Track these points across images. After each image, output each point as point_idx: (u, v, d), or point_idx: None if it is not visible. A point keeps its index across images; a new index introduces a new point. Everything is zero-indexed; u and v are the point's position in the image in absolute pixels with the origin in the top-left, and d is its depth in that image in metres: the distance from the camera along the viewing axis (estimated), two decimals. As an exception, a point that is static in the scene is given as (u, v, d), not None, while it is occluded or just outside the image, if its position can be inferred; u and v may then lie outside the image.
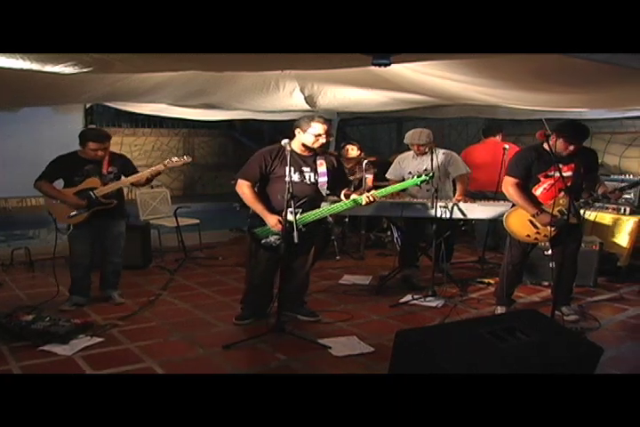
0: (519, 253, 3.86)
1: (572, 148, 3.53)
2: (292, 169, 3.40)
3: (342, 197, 3.61)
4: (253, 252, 3.68)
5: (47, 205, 4.00)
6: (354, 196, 3.52)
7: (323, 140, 3.45)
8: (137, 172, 4.13)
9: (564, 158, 3.57)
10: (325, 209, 3.53)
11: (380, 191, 3.63)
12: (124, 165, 4.13)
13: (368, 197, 3.45)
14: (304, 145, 3.51)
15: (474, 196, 4.86)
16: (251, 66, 3.16)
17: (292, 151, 3.44)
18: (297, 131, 3.49)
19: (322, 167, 3.56)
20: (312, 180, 3.55)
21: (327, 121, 3.53)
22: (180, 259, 5.55)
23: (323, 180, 3.55)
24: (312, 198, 3.52)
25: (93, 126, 3.90)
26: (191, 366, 3.05)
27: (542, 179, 3.69)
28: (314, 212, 3.48)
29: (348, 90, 4.53)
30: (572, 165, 3.62)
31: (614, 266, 4.91)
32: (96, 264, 4.21)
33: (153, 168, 4.08)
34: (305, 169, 3.54)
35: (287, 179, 3.28)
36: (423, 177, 3.66)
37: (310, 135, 3.43)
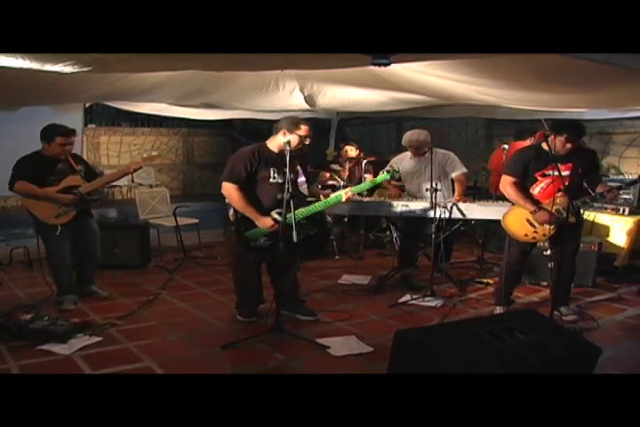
0: (518, 252, 3.86)
1: (569, 146, 3.54)
2: (276, 170, 3.49)
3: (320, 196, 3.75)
4: (243, 255, 3.66)
5: (28, 205, 3.88)
6: (339, 192, 3.71)
7: (306, 142, 3.48)
8: (95, 173, 4.22)
9: (562, 158, 3.57)
10: (312, 207, 3.58)
11: (355, 188, 3.83)
12: (86, 165, 4.19)
13: (347, 193, 3.67)
14: (282, 146, 3.51)
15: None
16: (250, 65, 3.16)
17: (271, 152, 3.52)
18: (282, 132, 3.49)
19: (297, 167, 3.64)
20: (292, 180, 3.59)
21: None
22: (179, 258, 5.55)
23: (301, 179, 3.67)
24: (296, 198, 3.55)
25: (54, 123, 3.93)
26: (190, 366, 3.05)
27: (539, 178, 3.70)
28: (303, 210, 3.52)
29: (348, 90, 4.53)
30: (570, 165, 3.63)
31: (613, 266, 4.92)
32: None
33: (133, 164, 4.14)
34: (285, 169, 3.56)
35: (286, 178, 3.29)
36: (392, 172, 3.96)
37: (296, 137, 3.44)
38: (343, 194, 3.67)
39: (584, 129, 3.63)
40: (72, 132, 3.92)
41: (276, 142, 3.53)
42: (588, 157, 3.76)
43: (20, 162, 3.85)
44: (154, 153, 4.52)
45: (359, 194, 4.51)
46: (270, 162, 3.49)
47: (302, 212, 3.52)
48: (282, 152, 3.48)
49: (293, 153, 3.40)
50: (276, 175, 3.51)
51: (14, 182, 3.78)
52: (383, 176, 3.95)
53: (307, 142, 3.49)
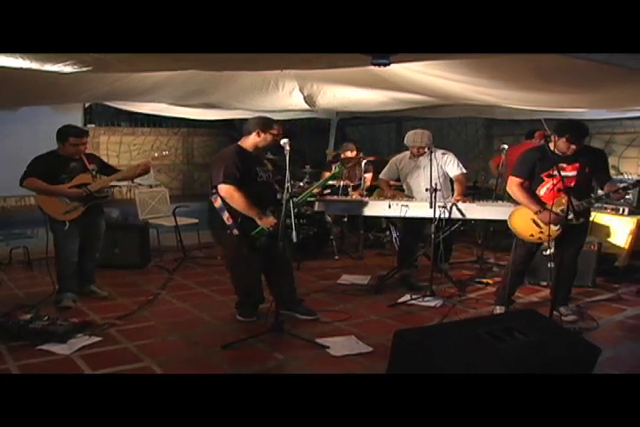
0: (525, 252, 3.86)
1: (574, 147, 3.53)
2: (261, 169, 3.59)
3: None
4: (245, 256, 3.63)
5: (39, 202, 3.98)
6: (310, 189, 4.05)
7: (274, 140, 3.54)
8: (113, 168, 4.27)
9: (569, 158, 3.57)
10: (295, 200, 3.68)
11: (317, 184, 4.30)
12: (101, 163, 4.25)
13: (314, 189, 4.11)
14: (256, 145, 3.58)
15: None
16: (250, 65, 3.16)
17: (249, 151, 3.57)
18: (255, 132, 3.54)
19: (269, 166, 3.72)
20: (270, 178, 3.66)
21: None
22: (179, 258, 5.55)
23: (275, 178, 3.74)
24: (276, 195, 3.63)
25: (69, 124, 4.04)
26: (189, 366, 3.05)
27: (546, 178, 3.70)
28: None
29: (348, 89, 4.53)
30: (577, 165, 3.61)
31: (613, 266, 4.92)
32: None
33: (143, 163, 4.19)
34: (264, 168, 3.66)
35: (287, 177, 3.31)
36: (337, 171, 4.68)
37: (270, 136, 3.53)
38: (314, 190, 4.10)
39: (586, 130, 3.61)
40: (85, 133, 4.03)
41: (250, 142, 3.59)
42: (597, 156, 3.74)
43: (35, 160, 3.95)
44: (165, 152, 4.59)
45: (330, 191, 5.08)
46: (253, 161, 3.57)
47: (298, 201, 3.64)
48: (257, 151, 3.61)
49: (262, 152, 3.66)
50: (262, 174, 3.59)
51: (24, 179, 3.87)
52: (335, 171, 4.53)
53: (273, 140, 3.59)
